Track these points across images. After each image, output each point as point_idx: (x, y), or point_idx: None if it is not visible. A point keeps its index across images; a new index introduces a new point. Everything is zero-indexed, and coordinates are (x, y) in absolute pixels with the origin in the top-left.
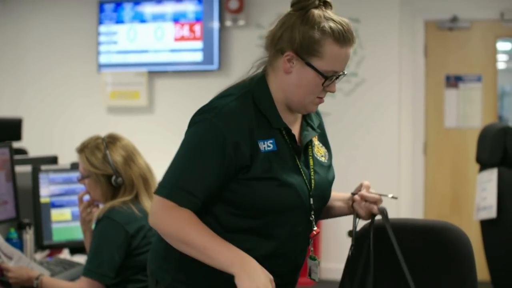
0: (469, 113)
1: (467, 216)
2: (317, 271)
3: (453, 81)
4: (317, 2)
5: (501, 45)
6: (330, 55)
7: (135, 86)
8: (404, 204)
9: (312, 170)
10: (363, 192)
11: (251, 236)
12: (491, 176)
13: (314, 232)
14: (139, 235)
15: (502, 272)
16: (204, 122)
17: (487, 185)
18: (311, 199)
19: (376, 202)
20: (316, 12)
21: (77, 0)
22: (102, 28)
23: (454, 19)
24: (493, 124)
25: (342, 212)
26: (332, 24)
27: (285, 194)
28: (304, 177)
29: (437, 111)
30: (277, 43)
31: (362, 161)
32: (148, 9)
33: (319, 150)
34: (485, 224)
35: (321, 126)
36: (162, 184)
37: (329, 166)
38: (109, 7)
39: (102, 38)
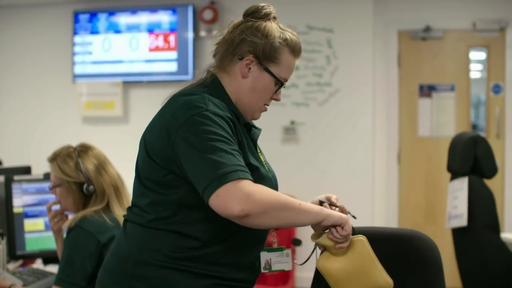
0: (443, 122)
1: (441, 225)
2: (288, 260)
3: (427, 90)
4: (272, 15)
5: (475, 55)
6: (285, 63)
7: (110, 97)
8: (379, 213)
9: (266, 166)
10: (333, 200)
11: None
12: (462, 185)
13: None
14: (111, 244)
15: (474, 279)
16: (201, 114)
17: (458, 193)
18: None
19: (344, 212)
20: (274, 23)
21: (52, 10)
22: (77, 39)
23: (427, 29)
24: (463, 133)
25: None
26: (290, 35)
27: (267, 186)
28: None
29: (411, 120)
30: (236, 48)
31: (336, 171)
32: (122, 20)
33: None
34: (456, 232)
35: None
36: (217, 175)
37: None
38: (84, 17)
39: (77, 49)
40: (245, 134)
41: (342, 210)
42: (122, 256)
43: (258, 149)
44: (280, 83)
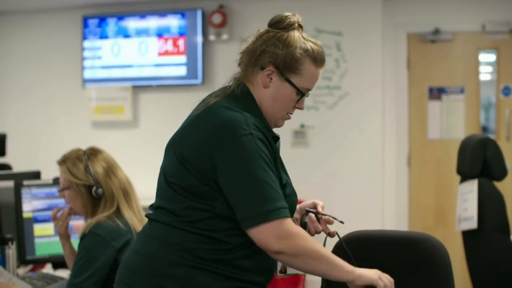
0: (452, 124)
1: (451, 227)
2: None
3: (436, 93)
4: (296, 25)
5: (485, 57)
6: (307, 73)
7: (119, 101)
8: (389, 216)
9: (286, 176)
10: (319, 209)
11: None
12: (471, 187)
13: None
14: (126, 249)
15: (484, 282)
16: (246, 138)
17: (468, 196)
18: None
19: (329, 222)
20: (297, 33)
21: (61, 16)
22: (86, 44)
23: (436, 32)
24: (473, 135)
25: None
26: (312, 45)
27: (291, 200)
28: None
29: (421, 123)
30: (257, 59)
31: (346, 174)
32: (132, 24)
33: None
34: (467, 235)
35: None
36: (259, 210)
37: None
38: (93, 22)
39: (86, 53)
40: (276, 148)
41: (327, 221)
42: (150, 255)
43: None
44: (301, 93)
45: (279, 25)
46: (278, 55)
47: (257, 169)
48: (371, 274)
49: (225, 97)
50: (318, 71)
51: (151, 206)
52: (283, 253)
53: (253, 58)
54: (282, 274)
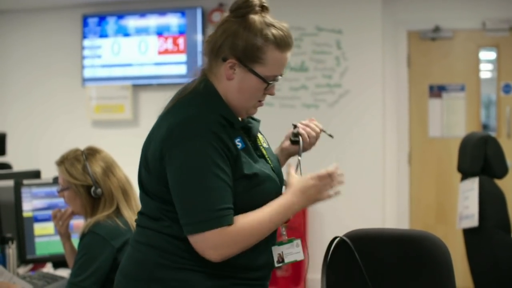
0: (453, 122)
1: (452, 225)
2: (299, 249)
3: (437, 90)
4: (256, 8)
5: (485, 54)
6: (272, 61)
7: (119, 100)
8: (390, 214)
9: (269, 159)
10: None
11: None
12: (472, 185)
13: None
14: (125, 249)
15: (485, 280)
16: (192, 140)
17: (468, 194)
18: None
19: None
20: (257, 18)
21: (61, 14)
22: (86, 42)
23: (437, 29)
24: (473, 133)
25: (281, 161)
26: (274, 31)
27: (268, 187)
28: (270, 168)
29: (421, 120)
30: (218, 50)
31: (347, 172)
32: (131, 23)
33: (260, 138)
34: (468, 233)
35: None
36: (196, 219)
37: (272, 152)
38: (92, 21)
39: (86, 52)
40: (242, 139)
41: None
42: (138, 259)
43: (259, 141)
44: (267, 82)
45: (239, 12)
46: (238, 46)
47: (199, 174)
48: (311, 200)
49: (187, 94)
50: (285, 55)
51: (138, 212)
52: (225, 259)
53: (214, 50)
54: (281, 264)
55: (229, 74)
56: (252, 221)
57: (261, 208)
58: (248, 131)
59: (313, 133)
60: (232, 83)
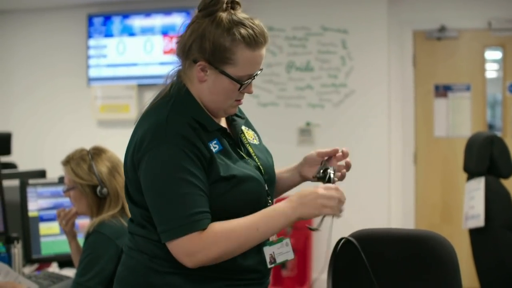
0: (459, 122)
1: (458, 225)
2: (288, 249)
3: (442, 90)
4: (224, 6)
5: (491, 54)
6: (243, 61)
7: (124, 100)
8: (395, 214)
9: (255, 156)
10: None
11: None
12: (478, 185)
13: None
14: None
15: (491, 280)
16: (161, 146)
17: (474, 194)
18: (266, 185)
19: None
20: (225, 16)
21: (66, 14)
22: (91, 42)
23: (442, 29)
24: (479, 133)
25: (292, 181)
26: (242, 30)
27: (250, 187)
28: (254, 166)
29: (427, 120)
30: (188, 52)
31: (352, 172)
32: (137, 23)
33: (249, 135)
34: (474, 233)
35: (241, 112)
36: (169, 227)
37: (265, 148)
38: (98, 20)
39: (91, 52)
40: (219, 142)
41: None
42: (132, 266)
43: (245, 139)
44: (240, 83)
45: (206, 11)
46: (206, 48)
47: (168, 181)
48: (310, 206)
49: (160, 98)
50: (257, 53)
51: (129, 219)
52: (201, 265)
53: (184, 51)
54: (273, 265)
55: (200, 76)
56: (230, 224)
57: (248, 215)
58: (226, 132)
59: (343, 173)
60: (204, 85)
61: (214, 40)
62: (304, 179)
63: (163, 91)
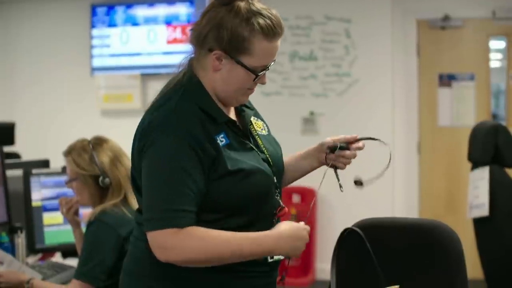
0: (463, 111)
1: (462, 215)
2: None
3: (446, 79)
4: None
5: (495, 44)
6: (260, 51)
7: (128, 89)
8: (399, 204)
9: (264, 148)
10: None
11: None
12: (483, 174)
13: (286, 210)
14: None
15: (495, 270)
16: (163, 137)
17: (479, 183)
18: (275, 178)
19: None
20: (243, 6)
21: (70, 4)
22: (95, 32)
23: (446, 18)
24: (484, 122)
25: (312, 167)
26: (260, 20)
27: (258, 180)
28: (262, 159)
29: (431, 110)
30: (204, 41)
31: (356, 161)
32: (140, 12)
33: (257, 125)
34: (478, 222)
35: (250, 103)
36: (151, 216)
37: (273, 139)
38: (101, 10)
39: (95, 42)
40: (226, 135)
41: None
42: (137, 257)
43: (254, 130)
44: (256, 73)
45: (223, 0)
46: (224, 37)
47: (164, 174)
48: (282, 246)
49: (171, 87)
50: (274, 45)
51: (136, 209)
52: (171, 262)
53: (199, 40)
54: (272, 260)
55: (215, 65)
56: (208, 232)
57: (236, 233)
58: (234, 124)
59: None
60: (219, 75)
61: (232, 30)
62: (321, 164)
63: (174, 79)
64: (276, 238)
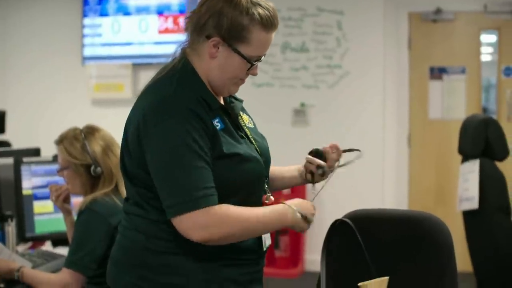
0: (453, 104)
1: (452, 208)
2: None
3: (437, 73)
4: None
5: (486, 37)
6: (257, 41)
7: (119, 79)
8: (389, 196)
9: (252, 139)
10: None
11: None
12: (473, 167)
13: (272, 199)
14: None
15: (484, 262)
16: (169, 119)
17: (469, 176)
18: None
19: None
20: None
21: None
22: (86, 21)
23: (438, 11)
24: (474, 115)
25: (295, 183)
26: (260, 10)
27: (252, 167)
28: (253, 148)
29: (422, 103)
30: (202, 28)
31: (346, 154)
32: (132, 2)
33: (244, 118)
34: (467, 215)
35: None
36: (178, 201)
37: (260, 133)
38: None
39: (86, 31)
40: (222, 120)
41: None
42: (127, 246)
43: (243, 122)
44: (251, 62)
45: None
46: (223, 25)
47: (178, 154)
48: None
49: (165, 73)
50: (270, 36)
51: (124, 198)
52: (208, 241)
53: (197, 27)
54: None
55: (212, 52)
56: (240, 210)
57: (252, 208)
58: (227, 111)
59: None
60: (214, 62)
61: (232, 18)
62: (305, 182)
63: (167, 67)
64: (287, 207)
